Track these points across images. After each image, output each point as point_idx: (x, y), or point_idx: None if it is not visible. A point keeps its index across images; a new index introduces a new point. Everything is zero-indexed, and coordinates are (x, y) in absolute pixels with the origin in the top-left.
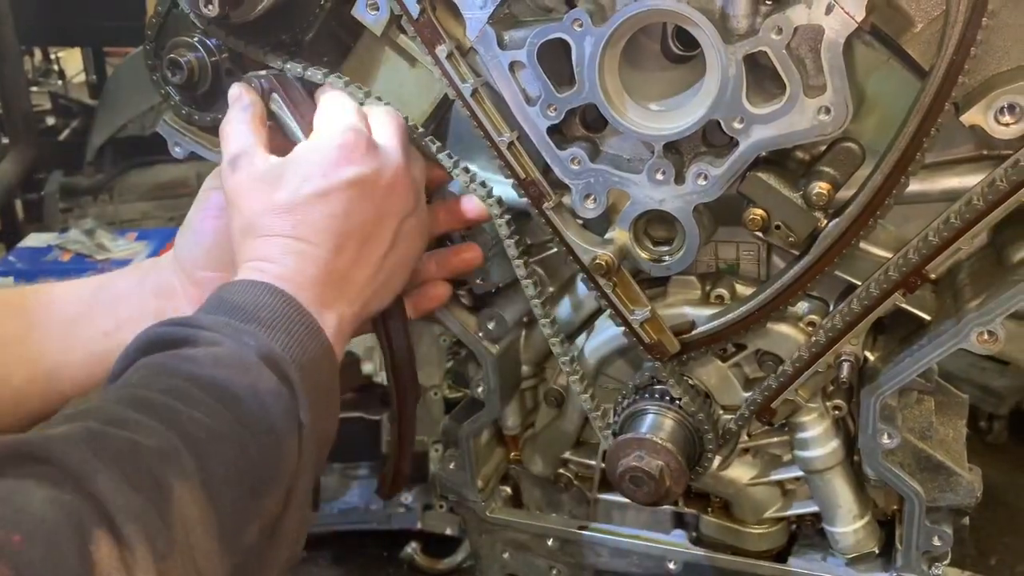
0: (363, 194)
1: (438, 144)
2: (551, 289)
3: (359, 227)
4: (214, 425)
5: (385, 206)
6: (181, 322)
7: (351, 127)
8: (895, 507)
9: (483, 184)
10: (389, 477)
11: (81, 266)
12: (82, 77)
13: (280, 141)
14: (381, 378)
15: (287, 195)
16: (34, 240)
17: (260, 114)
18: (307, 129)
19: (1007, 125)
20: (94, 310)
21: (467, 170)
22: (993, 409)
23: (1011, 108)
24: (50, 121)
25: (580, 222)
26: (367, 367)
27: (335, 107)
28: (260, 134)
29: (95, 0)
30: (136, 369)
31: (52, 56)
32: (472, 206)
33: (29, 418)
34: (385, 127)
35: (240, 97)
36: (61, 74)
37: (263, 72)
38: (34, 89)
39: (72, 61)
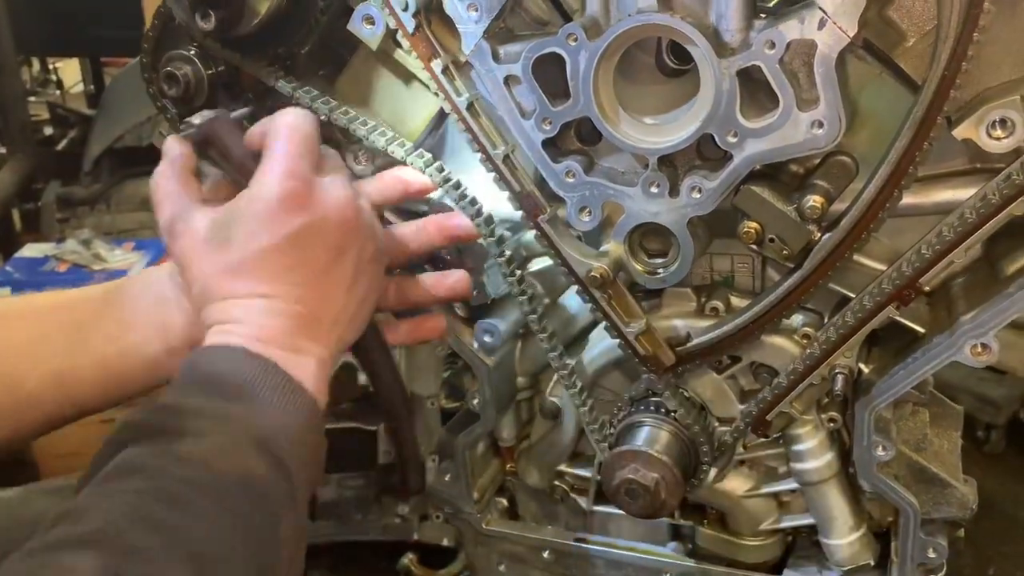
0: (315, 237)
1: (427, 157)
2: (547, 301)
3: (318, 268)
4: (220, 536)
5: (340, 242)
6: (165, 409)
7: (291, 172)
8: (891, 519)
9: (473, 202)
10: (399, 483)
11: (78, 276)
12: (80, 87)
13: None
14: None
15: (238, 254)
16: (31, 250)
17: (189, 167)
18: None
19: (999, 139)
20: (102, 315)
21: (457, 186)
22: (991, 419)
23: (1003, 122)
24: (48, 131)
25: (575, 235)
26: (363, 378)
27: (279, 142)
28: (191, 189)
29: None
30: (128, 467)
31: (50, 66)
32: (461, 223)
33: (45, 422)
34: (333, 157)
35: (167, 150)
36: (59, 84)
37: (197, 120)
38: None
39: (70, 71)
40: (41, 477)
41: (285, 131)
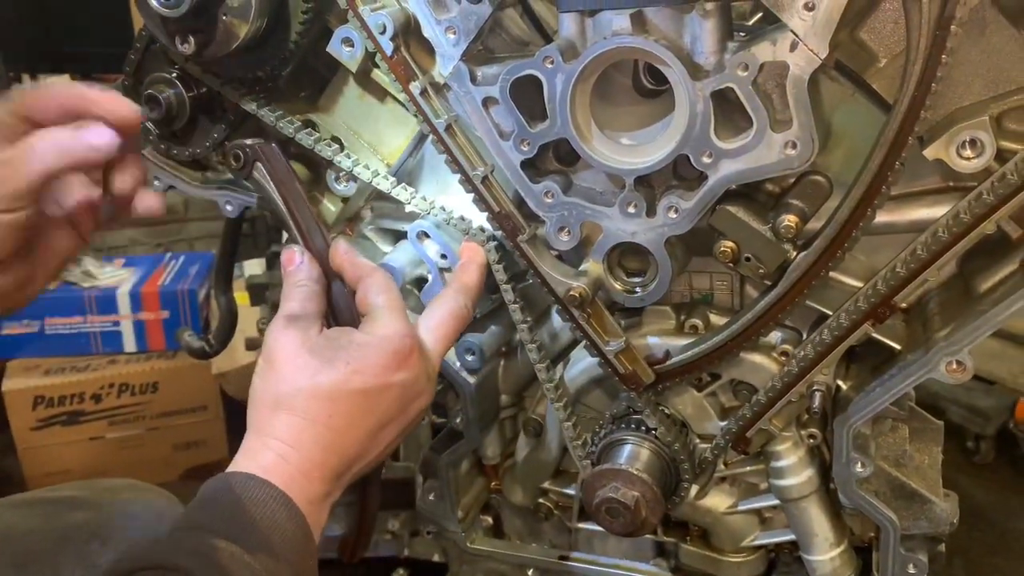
0: (399, 397)
1: (411, 191)
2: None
3: (383, 424)
4: None
5: (410, 407)
6: (200, 552)
7: (408, 332)
8: (872, 534)
9: (463, 218)
10: (350, 546)
11: (68, 293)
12: None
13: None
14: None
15: (334, 382)
16: None
17: (323, 290)
18: (287, 201)
19: (969, 159)
20: None
21: (444, 208)
22: (980, 429)
23: (972, 143)
24: None
25: (555, 254)
26: None
27: (390, 299)
28: (322, 304)
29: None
30: None
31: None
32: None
33: None
34: (434, 331)
35: (306, 267)
36: None
37: (249, 141)
38: None
39: None
40: None
41: (386, 277)
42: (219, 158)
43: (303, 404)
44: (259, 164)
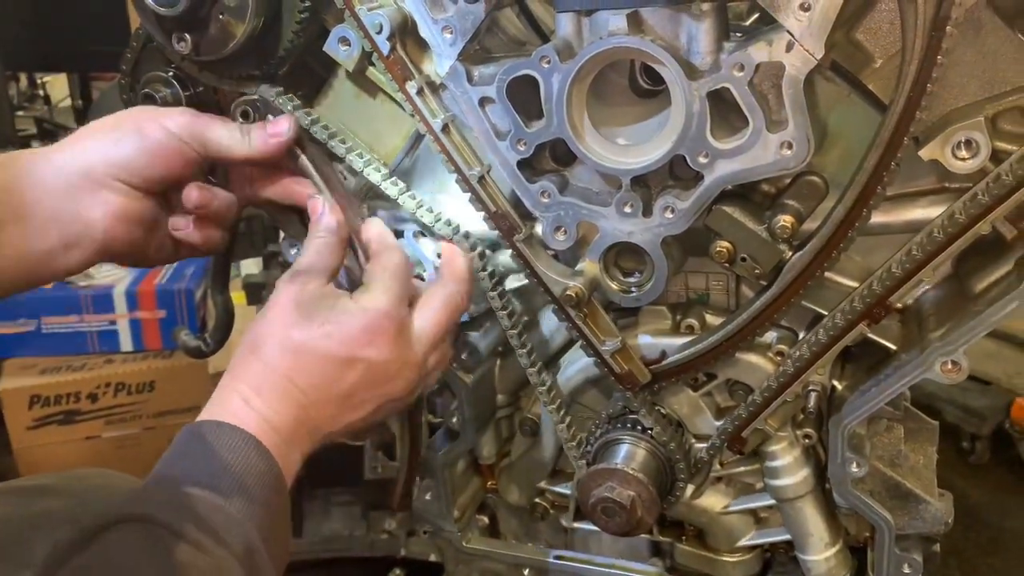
0: (367, 375)
1: (401, 186)
2: (525, 318)
3: (348, 397)
4: None
5: (382, 389)
6: (174, 502)
7: (389, 312)
8: (868, 534)
9: (448, 223)
10: (397, 493)
11: (64, 293)
12: (68, 102)
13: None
14: None
15: (302, 338)
16: None
17: (346, 238)
18: (307, 151)
19: (964, 160)
20: None
21: (431, 210)
22: (975, 429)
23: (968, 143)
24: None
25: (551, 254)
26: None
27: (390, 276)
28: (335, 258)
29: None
30: (125, 547)
31: (38, 81)
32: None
33: None
34: (433, 311)
35: (326, 217)
36: (47, 99)
37: (256, 96)
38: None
39: (58, 86)
40: None
41: (400, 259)
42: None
43: (270, 352)
44: (271, 117)
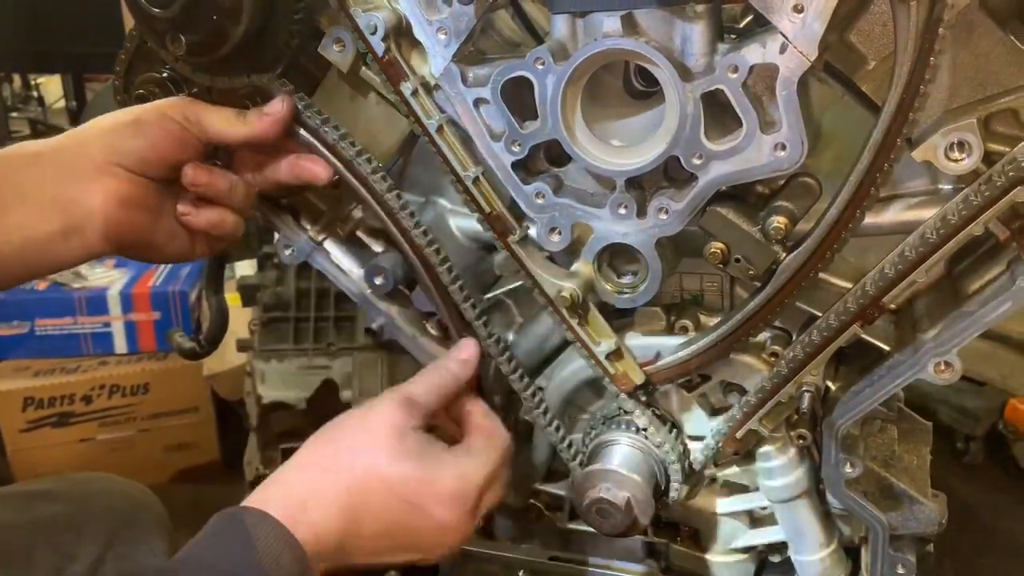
0: (426, 534)
1: (388, 183)
2: (520, 320)
3: (395, 546)
4: None
5: (427, 547)
6: None
7: (480, 487)
8: (862, 535)
9: (425, 232)
10: None
11: (58, 294)
12: (62, 103)
13: None
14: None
15: (393, 474)
16: None
17: (457, 390)
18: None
19: (957, 161)
20: None
21: (413, 214)
22: (969, 430)
23: (960, 145)
24: None
25: (545, 255)
26: (346, 394)
27: (496, 455)
28: (439, 401)
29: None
30: None
31: (32, 82)
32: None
33: None
34: (498, 488)
35: (472, 351)
36: (40, 100)
37: None
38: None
39: (52, 87)
40: None
41: (508, 442)
42: None
43: (355, 469)
44: None
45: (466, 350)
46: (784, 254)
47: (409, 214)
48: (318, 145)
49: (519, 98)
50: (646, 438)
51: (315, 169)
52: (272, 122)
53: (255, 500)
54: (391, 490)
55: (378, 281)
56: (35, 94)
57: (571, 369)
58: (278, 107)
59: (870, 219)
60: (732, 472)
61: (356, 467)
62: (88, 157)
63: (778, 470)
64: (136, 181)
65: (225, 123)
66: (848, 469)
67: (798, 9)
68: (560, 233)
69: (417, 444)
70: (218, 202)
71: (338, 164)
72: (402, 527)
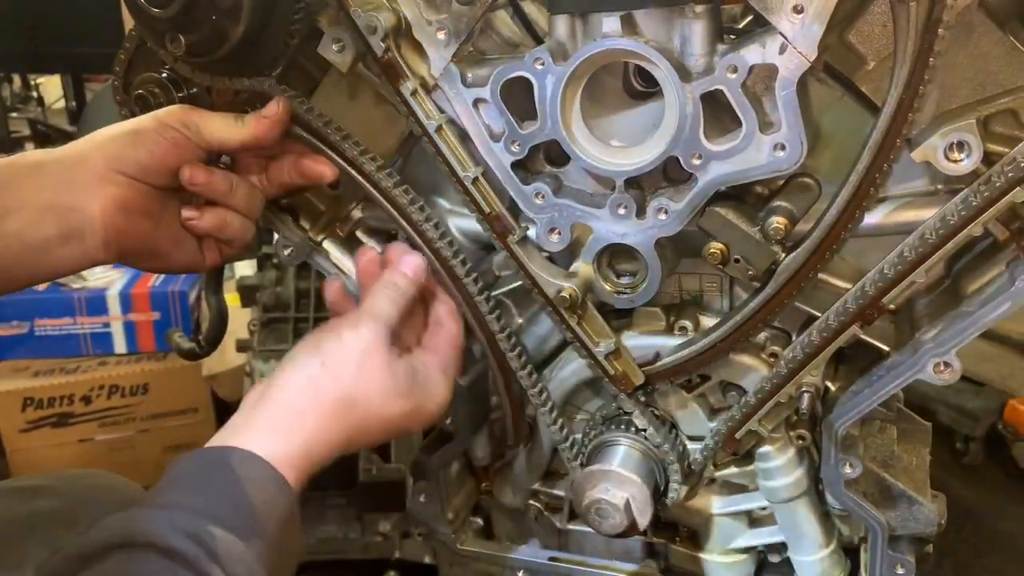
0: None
1: (396, 179)
2: (520, 321)
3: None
4: None
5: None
6: (198, 537)
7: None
8: (861, 535)
9: (436, 226)
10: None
11: (56, 294)
12: (61, 103)
13: None
14: None
15: (393, 416)
16: None
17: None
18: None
19: (956, 161)
20: None
21: (422, 209)
22: (969, 430)
23: (960, 145)
24: (29, 147)
25: (545, 255)
26: None
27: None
28: (398, 315)
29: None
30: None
31: (31, 82)
32: (410, 261)
33: None
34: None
35: (411, 270)
36: (40, 100)
37: None
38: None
39: (51, 87)
40: None
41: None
42: None
43: (340, 396)
44: None
45: (408, 263)
46: (783, 254)
47: (419, 208)
48: (322, 145)
49: (518, 98)
50: (645, 439)
51: (320, 168)
52: (270, 124)
53: (243, 433)
54: (386, 423)
55: None
56: (35, 94)
57: (570, 369)
58: (274, 109)
59: (869, 219)
60: (731, 472)
61: (356, 412)
62: (88, 165)
63: (777, 470)
64: (137, 187)
65: (223, 128)
66: (847, 470)
67: (797, 10)
68: (559, 233)
69: (407, 378)
70: (221, 203)
71: (343, 163)
72: (378, 441)
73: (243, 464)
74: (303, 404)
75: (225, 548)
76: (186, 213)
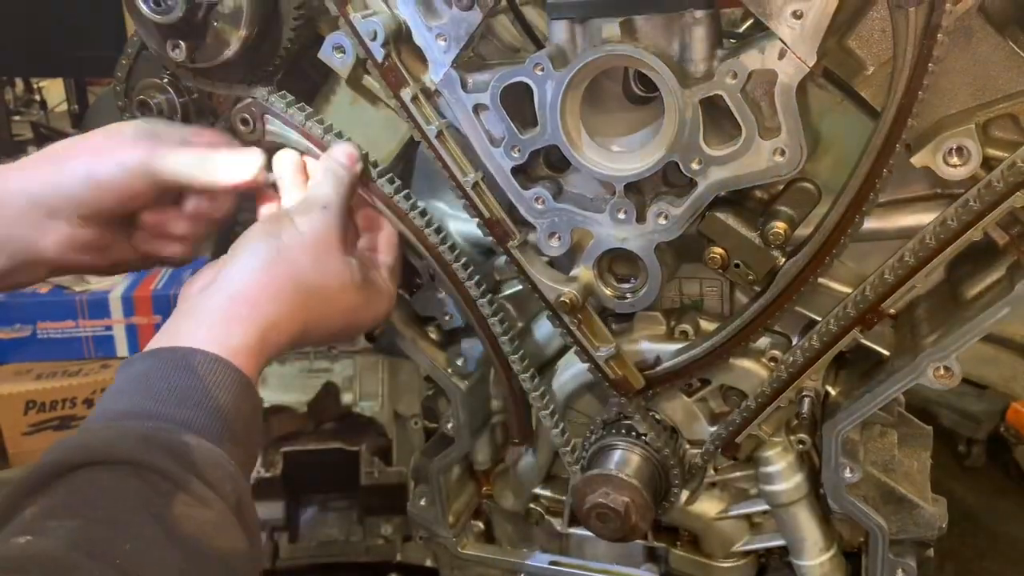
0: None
1: (397, 184)
2: (520, 324)
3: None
4: None
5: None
6: (174, 450)
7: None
8: (862, 539)
9: (438, 230)
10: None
11: (59, 298)
12: (64, 107)
13: None
14: (360, 408)
15: (346, 309)
16: None
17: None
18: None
19: (955, 167)
20: None
21: (424, 213)
22: (971, 433)
23: (959, 150)
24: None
25: (545, 260)
26: (346, 397)
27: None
28: (342, 206)
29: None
30: (118, 489)
31: (34, 86)
32: (344, 149)
33: None
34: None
35: (347, 158)
36: (43, 104)
37: (248, 99)
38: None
39: (54, 91)
40: None
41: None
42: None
43: (295, 288)
44: (269, 116)
45: (342, 151)
46: (783, 259)
47: (420, 214)
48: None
49: (519, 104)
50: (646, 443)
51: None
52: (241, 183)
53: (201, 336)
54: (342, 315)
55: None
56: (37, 98)
57: (571, 373)
58: (249, 167)
59: (869, 224)
60: (732, 476)
61: (313, 300)
62: (39, 202)
63: (778, 475)
64: (86, 226)
65: (186, 171)
66: (848, 474)
67: (797, 15)
68: (560, 238)
69: (361, 272)
70: (179, 236)
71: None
72: (334, 336)
73: (205, 365)
74: (257, 291)
75: (201, 456)
76: (140, 239)
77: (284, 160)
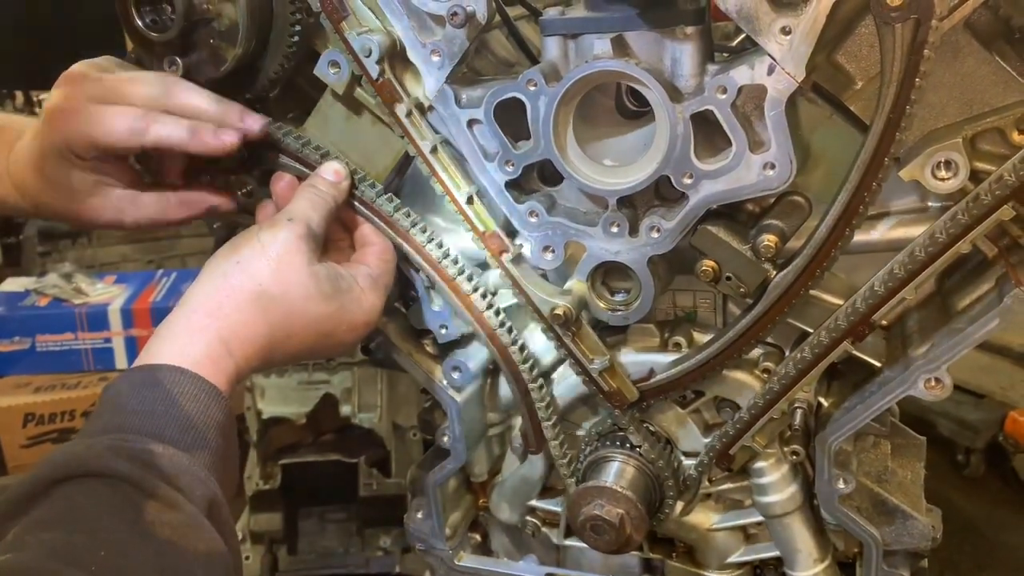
0: (329, 352)
1: (396, 203)
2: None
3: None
4: None
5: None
6: (141, 459)
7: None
8: (856, 550)
9: (440, 245)
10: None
11: (59, 310)
12: None
13: None
14: (359, 420)
15: (317, 319)
16: (12, 285)
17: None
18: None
19: (943, 180)
20: None
21: (424, 230)
22: (969, 443)
23: (947, 164)
24: None
25: (539, 273)
26: (345, 409)
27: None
28: (319, 218)
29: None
30: (92, 501)
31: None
32: (330, 167)
33: None
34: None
35: (331, 175)
36: None
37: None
38: None
39: None
40: None
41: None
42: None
43: (264, 306)
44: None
45: (328, 169)
46: (774, 272)
47: (421, 230)
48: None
49: (512, 119)
50: (640, 455)
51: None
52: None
53: (169, 353)
54: (310, 324)
55: None
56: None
57: (565, 386)
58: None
59: (860, 237)
60: (726, 488)
61: (275, 308)
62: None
63: (771, 486)
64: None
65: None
66: (841, 485)
67: (786, 31)
68: (553, 251)
69: (330, 282)
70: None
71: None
72: (311, 350)
73: (170, 378)
74: (214, 304)
75: (169, 462)
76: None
77: (280, 183)
